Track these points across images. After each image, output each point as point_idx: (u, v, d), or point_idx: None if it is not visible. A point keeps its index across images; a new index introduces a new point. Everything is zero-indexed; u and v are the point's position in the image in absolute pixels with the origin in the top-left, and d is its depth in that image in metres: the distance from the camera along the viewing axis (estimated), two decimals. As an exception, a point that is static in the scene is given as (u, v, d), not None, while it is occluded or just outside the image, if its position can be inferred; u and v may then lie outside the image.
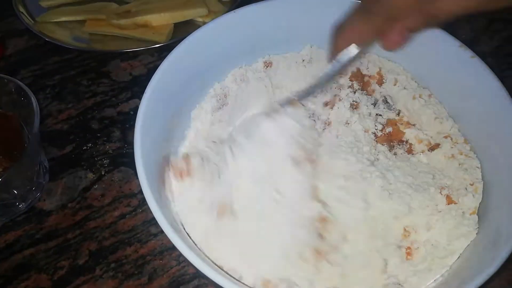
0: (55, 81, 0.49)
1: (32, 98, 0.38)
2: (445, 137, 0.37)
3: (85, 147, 0.44)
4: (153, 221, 0.39)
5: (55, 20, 0.53)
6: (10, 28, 0.54)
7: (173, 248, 0.38)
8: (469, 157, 0.36)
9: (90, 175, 0.42)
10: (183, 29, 0.52)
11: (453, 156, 0.36)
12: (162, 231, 0.38)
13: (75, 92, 0.48)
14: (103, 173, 0.42)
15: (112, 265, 0.37)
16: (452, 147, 0.36)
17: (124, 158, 0.43)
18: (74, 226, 0.39)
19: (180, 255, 0.37)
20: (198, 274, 0.37)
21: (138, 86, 0.48)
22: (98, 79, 0.49)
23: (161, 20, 0.51)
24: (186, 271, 0.37)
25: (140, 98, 0.47)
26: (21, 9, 0.54)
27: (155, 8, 0.52)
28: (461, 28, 0.54)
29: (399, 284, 0.31)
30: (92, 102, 0.48)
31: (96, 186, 0.42)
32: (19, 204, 0.39)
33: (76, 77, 0.49)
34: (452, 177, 0.35)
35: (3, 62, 0.51)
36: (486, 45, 0.53)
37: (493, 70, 0.35)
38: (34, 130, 0.36)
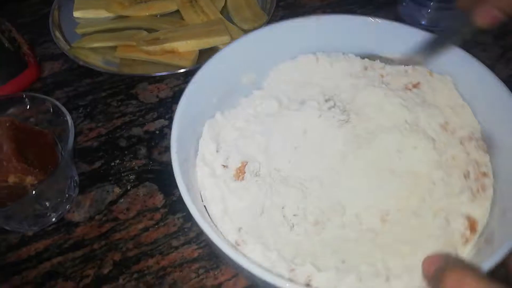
0: (87, 101, 0.53)
1: (68, 116, 0.41)
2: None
3: (113, 163, 0.47)
4: (174, 235, 0.42)
5: (89, 46, 0.57)
6: (47, 52, 0.58)
7: (193, 260, 0.40)
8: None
9: (117, 190, 0.45)
10: (207, 55, 0.55)
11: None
12: (183, 244, 0.41)
13: (105, 112, 0.51)
14: (129, 188, 0.45)
15: (135, 275, 0.39)
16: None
17: (149, 174, 0.46)
18: (100, 237, 0.42)
19: (200, 267, 0.39)
20: (217, 287, 0.38)
21: (164, 107, 0.51)
22: (127, 100, 0.52)
23: (187, 47, 0.55)
24: (205, 283, 0.38)
25: (165, 119, 0.51)
26: (58, 35, 0.58)
27: (182, 36, 0.55)
28: (476, 56, 0.55)
29: None
30: (120, 121, 0.51)
31: (122, 200, 0.44)
32: (50, 215, 0.42)
33: (106, 98, 0.53)
34: None
35: (40, 83, 0.55)
36: (501, 72, 0.54)
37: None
38: (68, 146, 0.39)
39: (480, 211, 0.34)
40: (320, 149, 0.38)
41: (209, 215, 0.35)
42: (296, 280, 0.30)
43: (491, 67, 0.56)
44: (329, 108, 0.40)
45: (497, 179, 0.35)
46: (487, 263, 0.27)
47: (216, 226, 0.34)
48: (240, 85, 0.43)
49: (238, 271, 0.35)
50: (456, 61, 0.40)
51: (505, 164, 0.35)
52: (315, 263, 0.31)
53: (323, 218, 0.34)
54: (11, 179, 0.36)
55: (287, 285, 0.27)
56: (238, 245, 0.33)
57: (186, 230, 0.42)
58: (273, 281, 0.27)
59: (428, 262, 0.26)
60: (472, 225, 0.33)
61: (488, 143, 0.37)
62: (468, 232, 0.33)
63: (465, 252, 0.32)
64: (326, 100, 0.41)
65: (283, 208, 0.35)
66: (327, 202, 0.35)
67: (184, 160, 0.35)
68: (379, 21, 0.43)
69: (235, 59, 0.41)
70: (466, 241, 0.32)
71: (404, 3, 0.60)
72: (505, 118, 0.36)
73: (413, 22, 0.57)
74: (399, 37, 0.42)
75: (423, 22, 0.58)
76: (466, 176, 0.35)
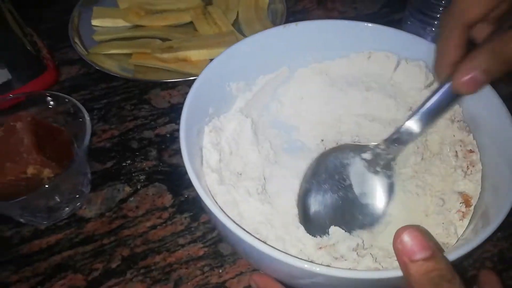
0: (102, 104, 0.55)
1: (86, 115, 0.43)
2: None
3: (124, 164, 0.49)
4: (181, 233, 0.43)
5: (105, 52, 0.59)
6: (65, 57, 0.61)
7: (199, 258, 0.41)
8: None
9: (127, 189, 0.46)
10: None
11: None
12: (189, 242, 0.42)
13: (119, 115, 0.54)
14: (139, 187, 0.47)
15: (142, 270, 0.40)
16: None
17: (159, 175, 0.47)
18: (110, 233, 0.43)
19: (205, 265, 0.40)
20: (221, 285, 0.39)
21: (175, 112, 0.53)
22: (140, 105, 0.55)
23: (199, 55, 0.57)
24: (210, 281, 0.40)
25: (176, 123, 0.53)
26: (77, 41, 0.61)
27: (194, 45, 0.58)
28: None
29: None
30: (133, 124, 0.53)
31: (132, 198, 0.46)
32: (63, 209, 0.43)
33: (120, 102, 0.55)
34: None
35: (58, 86, 0.57)
36: (506, 88, 0.56)
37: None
38: (84, 142, 0.41)
39: (472, 186, 0.36)
40: None
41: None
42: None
43: (494, 84, 0.58)
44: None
45: (484, 157, 0.38)
46: (482, 236, 0.28)
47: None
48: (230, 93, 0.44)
49: (257, 263, 0.35)
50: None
51: (489, 143, 0.37)
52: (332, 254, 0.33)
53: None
54: (30, 170, 0.38)
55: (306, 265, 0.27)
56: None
57: (192, 229, 0.43)
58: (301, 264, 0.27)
59: (410, 237, 0.24)
60: (466, 201, 0.35)
61: (470, 125, 0.40)
62: (463, 207, 0.35)
63: (463, 227, 0.34)
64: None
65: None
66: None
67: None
68: (369, 25, 0.44)
69: (226, 68, 0.43)
70: (463, 215, 0.34)
71: (409, 22, 0.63)
72: (485, 101, 0.38)
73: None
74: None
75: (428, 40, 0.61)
76: (455, 155, 0.38)
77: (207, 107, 0.42)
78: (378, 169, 0.36)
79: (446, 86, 0.31)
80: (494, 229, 0.28)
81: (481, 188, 0.36)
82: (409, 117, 0.34)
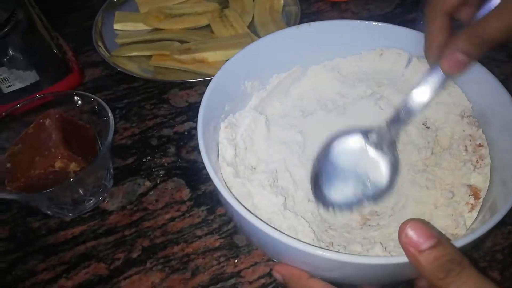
0: (123, 104, 0.57)
1: (110, 113, 0.45)
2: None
3: (145, 160, 0.51)
4: (198, 225, 0.45)
5: (127, 55, 0.62)
6: (88, 60, 0.64)
7: (215, 249, 0.43)
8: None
9: (147, 183, 0.49)
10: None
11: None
12: (206, 234, 0.44)
13: (139, 114, 0.56)
14: (158, 182, 0.49)
15: (161, 260, 0.42)
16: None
17: (177, 171, 0.50)
18: (131, 225, 0.45)
19: (221, 255, 0.42)
20: (236, 274, 0.41)
21: (192, 111, 0.56)
22: (159, 104, 0.57)
23: (216, 57, 0.59)
24: (225, 270, 0.41)
25: (193, 121, 0.55)
26: (100, 44, 0.64)
27: (211, 46, 0.60)
28: (491, 71, 0.58)
29: None
30: (152, 123, 0.55)
31: (152, 192, 0.48)
32: (87, 202, 0.46)
33: (140, 101, 0.57)
34: None
35: (82, 87, 0.60)
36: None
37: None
38: (108, 138, 0.43)
39: (481, 179, 0.37)
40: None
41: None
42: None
43: (505, 81, 0.58)
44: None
45: (493, 151, 0.39)
46: (487, 225, 0.29)
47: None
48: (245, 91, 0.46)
49: (271, 252, 0.36)
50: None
51: (499, 138, 0.38)
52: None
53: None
54: (58, 164, 0.40)
55: (320, 252, 0.28)
56: None
57: (209, 221, 0.45)
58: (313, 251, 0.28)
59: (413, 230, 0.26)
60: (475, 193, 0.36)
61: (480, 120, 0.41)
62: (472, 199, 0.36)
63: (472, 218, 0.35)
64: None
65: (308, 201, 0.38)
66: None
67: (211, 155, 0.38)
68: (379, 24, 0.45)
69: (241, 67, 0.44)
70: (472, 207, 0.35)
71: (422, 22, 0.63)
72: (494, 97, 0.39)
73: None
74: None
75: (440, 39, 0.61)
76: (465, 150, 0.39)
77: (223, 105, 0.43)
78: (383, 148, 0.38)
79: (437, 68, 0.33)
80: (500, 218, 0.29)
81: (489, 181, 0.37)
82: (407, 97, 0.35)
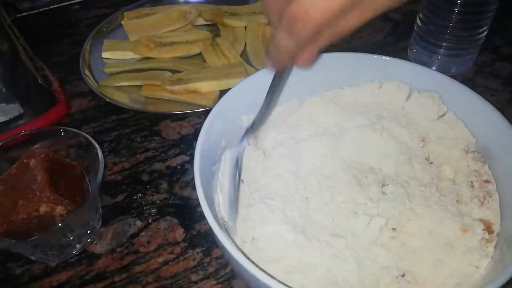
0: (112, 137, 0.55)
1: (98, 150, 0.43)
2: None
3: (135, 197, 0.48)
4: (193, 269, 0.42)
5: (116, 84, 0.60)
6: (75, 90, 0.62)
7: (212, 295, 0.40)
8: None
9: (139, 223, 0.46)
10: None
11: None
12: (202, 279, 0.41)
13: (129, 147, 0.54)
14: (150, 221, 0.46)
15: (154, 309, 0.39)
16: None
17: (170, 208, 0.47)
18: (121, 269, 0.42)
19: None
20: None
21: (185, 144, 0.53)
22: (150, 137, 0.55)
23: (209, 87, 0.58)
24: (224, 319, 0.39)
25: (186, 155, 0.53)
26: (87, 73, 0.61)
27: (204, 77, 0.58)
28: (487, 100, 0.57)
29: None
30: (143, 156, 0.53)
31: (143, 233, 0.45)
32: (74, 246, 0.43)
33: (131, 134, 0.55)
34: None
35: (68, 118, 0.58)
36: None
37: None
38: (98, 178, 0.41)
39: (491, 213, 0.37)
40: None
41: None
42: None
43: (501, 110, 0.58)
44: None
45: (499, 186, 0.38)
46: None
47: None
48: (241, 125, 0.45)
49: None
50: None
51: (505, 172, 0.39)
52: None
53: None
54: (43, 208, 0.37)
55: None
56: None
57: (205, 264, 0.42)
58: None
59: None
60: (488, 227, 0.36)
61: (484, 154, 0.41)
62: (486, 234, 0.36)
63: (490, 252, 0.35)
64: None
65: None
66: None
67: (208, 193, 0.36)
68: (382, 57, 0.46)
69: (237, 101, 0.44)
70: (487, 241, 0.35)
71: (414, 49, 0.63)
72: (498, 132, 0.39)
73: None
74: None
75: (433, 67, 0.61)
76: (471, 186, 0.39)
77: (220, 140, 0.42)
78: None
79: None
80: None
81: (500, 217, 0.36)
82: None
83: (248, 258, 0.31)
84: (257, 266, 0.30)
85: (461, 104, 0.43)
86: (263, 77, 0.43)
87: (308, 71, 0.45)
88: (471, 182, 0.39)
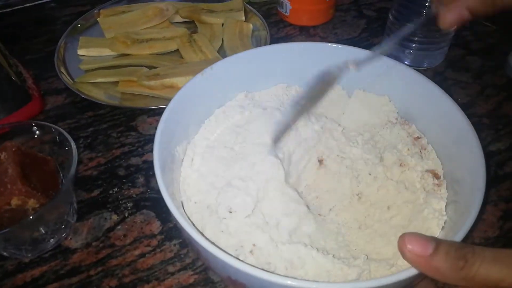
0: (88, 133, 0.55)
1: (72, 143, 0.42)
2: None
3: (112, 191, 0.48)
4: (170, 261, 0.42)
5: (92, 81, 0.60)
6: (51, 87, 0.61)
7: (189, 286, 0.40)
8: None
9: (115, 217, 0.46)
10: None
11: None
12: (179, 270, 0.41)
13: (105, 142, 0.53)
14: (126, 215, 0.46)
15: (131, 301, 0.39)
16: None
17: (147, 202, 0.47)
18: (97, 263, 0.42)
19: (196, 291, 0.39)
20: (211, 312, 0.38)
21: (162, 138, 0.53)
22: (127, 132, 0.54)
23: (185, 82, 0.57)
24: (200, 309, 0.39)
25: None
26: (63, 71, 0.61)
27: (181, 72, 0.58)
28: (457, 93, 0.59)
29: None
30: (120, 151, 0.52)
31: (120, 227, 0.45)
32: (48, 241, 0.42)
33: (107, 129, 0.55)
34: None
35: (43, 115, 0.57)
36: (481, 108, 0.58)
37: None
38: (71, 171, 0.40)
39: (431, 162, 0.42)
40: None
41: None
42: None
43: (470, 102, 0.60)
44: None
45: (429, 139, 0.45)
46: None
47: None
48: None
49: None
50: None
51: (431, 130, 0.44)
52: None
53: None
54: (15, 201, 0.37)
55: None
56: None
57: (182, 256, 0.42)
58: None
59: (412, 244, 0.26)
60: (434, 174, 0.41)
61: (407, 118, 0.47)
62: (435, 180, 0.41)
63: (445, 193, 0.39)
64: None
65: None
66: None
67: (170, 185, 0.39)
68: (339, 46, 0.48)
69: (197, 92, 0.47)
70: (438, 186, 0.40)
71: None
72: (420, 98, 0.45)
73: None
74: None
75: (406, 62, 0.63)
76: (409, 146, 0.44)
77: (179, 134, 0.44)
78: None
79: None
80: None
81: (441, 162, 0.42)
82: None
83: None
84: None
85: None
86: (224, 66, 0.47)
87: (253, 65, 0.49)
88: (407, 142, 0.44)
